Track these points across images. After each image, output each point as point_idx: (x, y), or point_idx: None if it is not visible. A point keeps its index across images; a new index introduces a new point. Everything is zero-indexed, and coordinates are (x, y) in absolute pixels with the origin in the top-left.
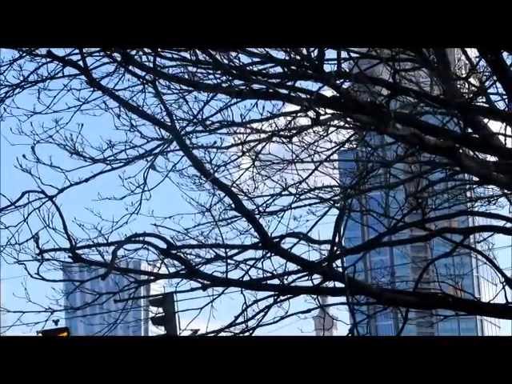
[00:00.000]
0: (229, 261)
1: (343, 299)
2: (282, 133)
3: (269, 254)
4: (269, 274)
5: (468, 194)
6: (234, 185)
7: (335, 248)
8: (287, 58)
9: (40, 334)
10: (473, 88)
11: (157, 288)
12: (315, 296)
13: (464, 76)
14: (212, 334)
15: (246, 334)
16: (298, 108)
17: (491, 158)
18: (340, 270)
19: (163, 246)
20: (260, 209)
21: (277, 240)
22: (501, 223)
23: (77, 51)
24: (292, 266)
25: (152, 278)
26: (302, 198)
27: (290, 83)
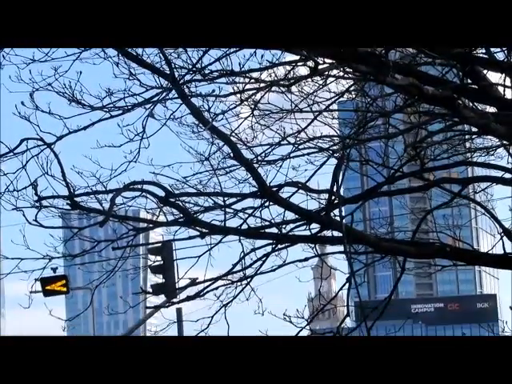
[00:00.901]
0: (227, 209)
1: (341, 248)
2: (281, 82)
3: (267, 203)
4: (267, 223)
5: (467, 144)
6: (233, 134)
7: (333, 197)
8: None
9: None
10: None
11: (155, 237)
12: (313, 245)
13: None
14: (210, 282)
15: (244, 282)
16: (297, 58)
17: (490, 109)
18: (338, 219)
19: (162, 194)
20: (259, 158)
21: (275, 189)
22: (499, 174)
23: None
24: (290, 215)
25: (150, 225)
26: (300, 147)
27: None
